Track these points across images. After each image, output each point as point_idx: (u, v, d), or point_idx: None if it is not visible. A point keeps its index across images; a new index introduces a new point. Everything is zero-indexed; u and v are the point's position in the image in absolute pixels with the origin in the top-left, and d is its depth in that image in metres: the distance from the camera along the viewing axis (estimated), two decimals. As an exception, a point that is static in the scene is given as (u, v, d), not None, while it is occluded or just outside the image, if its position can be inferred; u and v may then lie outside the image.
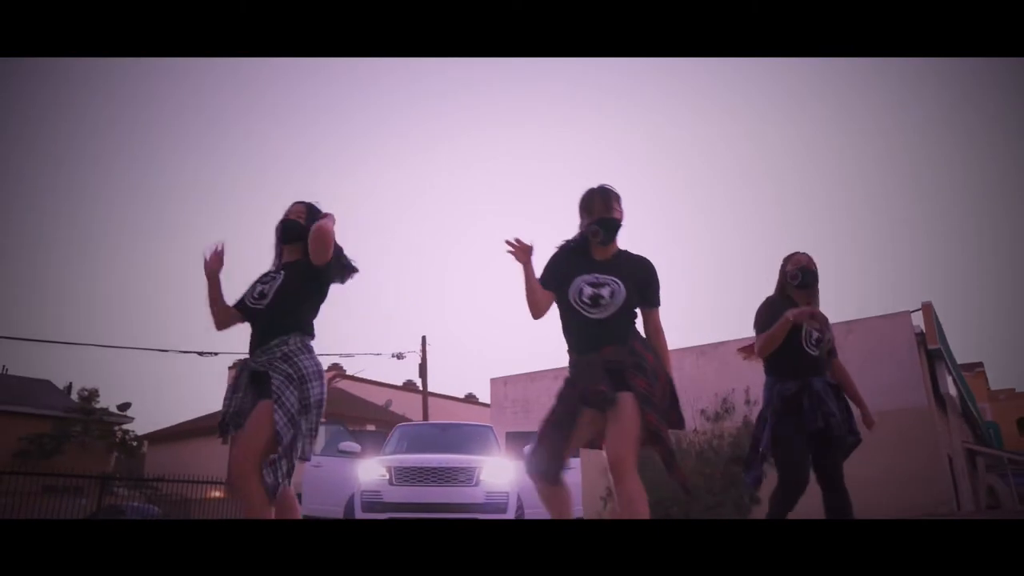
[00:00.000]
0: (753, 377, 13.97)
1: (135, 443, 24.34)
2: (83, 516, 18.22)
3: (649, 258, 2.99)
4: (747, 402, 13.80)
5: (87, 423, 23.25)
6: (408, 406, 28.36)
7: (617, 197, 2.97)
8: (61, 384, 27.47)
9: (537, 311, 2.89)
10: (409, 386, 37.32)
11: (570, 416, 2.80)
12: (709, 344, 15.52)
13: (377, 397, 28.93)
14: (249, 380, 2.90)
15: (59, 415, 23.10)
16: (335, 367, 25.43)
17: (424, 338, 20.25)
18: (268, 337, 2.90)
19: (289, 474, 2.76)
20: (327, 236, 2.89)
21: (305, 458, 2.86)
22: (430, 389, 32.21)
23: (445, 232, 67.24)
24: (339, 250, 3.03)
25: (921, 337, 13.12)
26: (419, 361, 20.04)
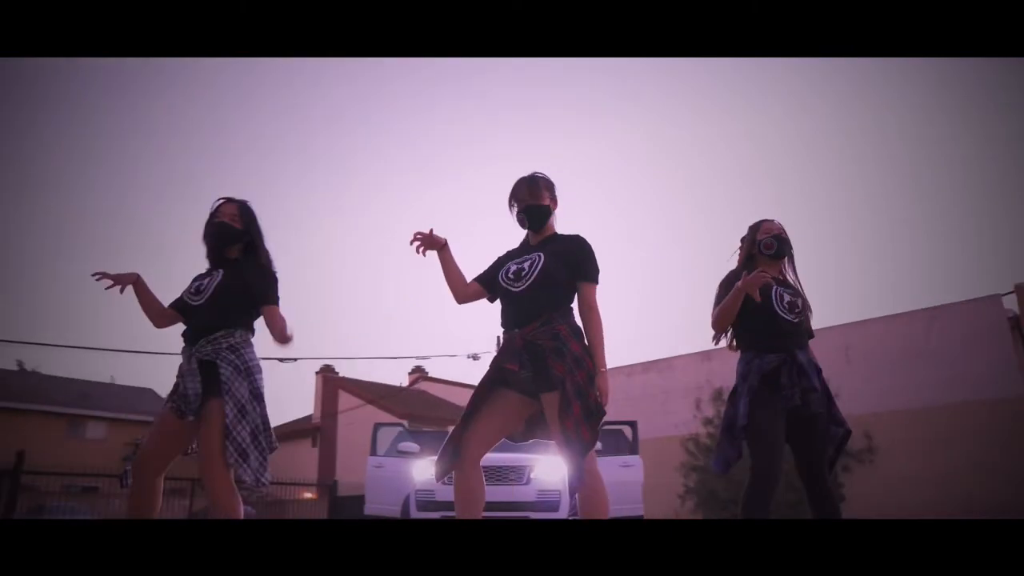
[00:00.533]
0: (834, 370, 13.56)
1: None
2: (183, 516, 19.28)
3: (584, 236, 2.95)
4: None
5: (189, 428, 24.49)
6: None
7: (546, 185, 2.97)
8: (163, 392, 29.00)
9: (456, 297, 3.00)
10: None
11: (482, 396, 2.80)
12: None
13: (460, 398, 29.32)
14: (198, 366, 2.90)
15: (161, 422, 24.43)
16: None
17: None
18: (210, 329, 2.96)
19: (263, 467, 2.86)
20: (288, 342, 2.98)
21: (273, 447, 2.93)
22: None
23: (512, 231, 67.26)
24: (271, 273, 3.12)
25: (1015, 321, 12.32)
26: (495, 361, 20.17)
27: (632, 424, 9.27)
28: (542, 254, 2.84)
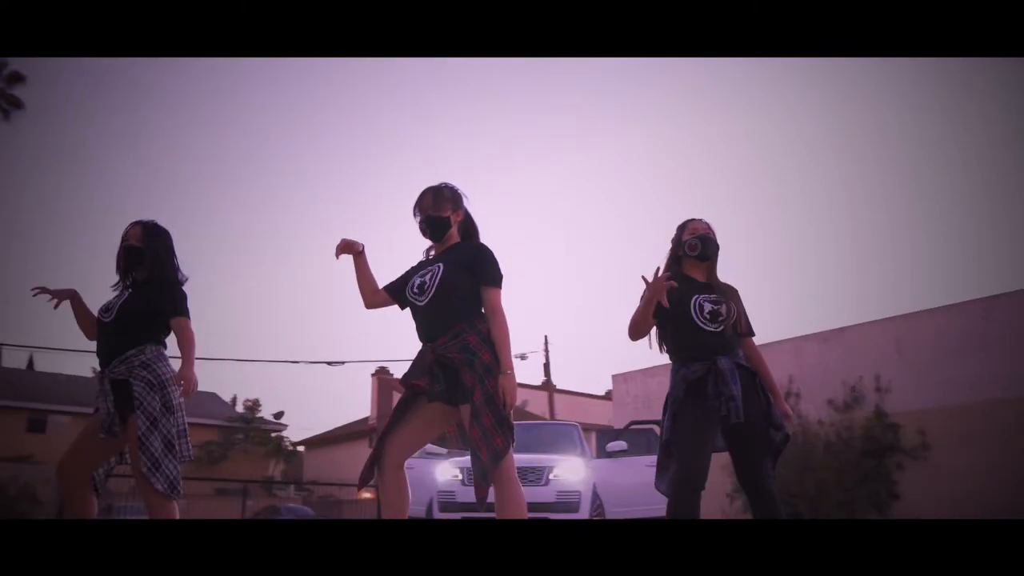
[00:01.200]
0: (884, 364, 13.05)
1: (291, 448, 26.24)
2: (249, 516, 19.90)
3: (486, 244, 2.97)
4: (878, 390, 12.92)
5: (248, 431, 25.36)
6: (546, 406, 28.69)
7: (451, 196, 2.97)
8: (226, 396, 30.08)
9: (365, 302, 3.05)
10: (548, 386, 37.71)
11: (402, 409, 2.83)
12: (832, 330, 14.54)
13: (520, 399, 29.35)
14: (110, 387, 3.04)
15: (224, 424, 25.37)
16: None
17: (546, 338, 20.48)
18: (121, 348, 3.09)
19: (177, 475, 2.99)
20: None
21: (186, 456, 3.09)
22: (568, 388, 32.46)
23: (560, 232, 67.23)
24: (177, 287, 3.28)
25: (1080, 310, 11.69)
26: (543, 361, 20.22)
27: (660, 424, 9.14)
28: (442, 265, 2.85)
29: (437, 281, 2.79)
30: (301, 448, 31.26)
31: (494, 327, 2.80)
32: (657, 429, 9.22)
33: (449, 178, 3.01)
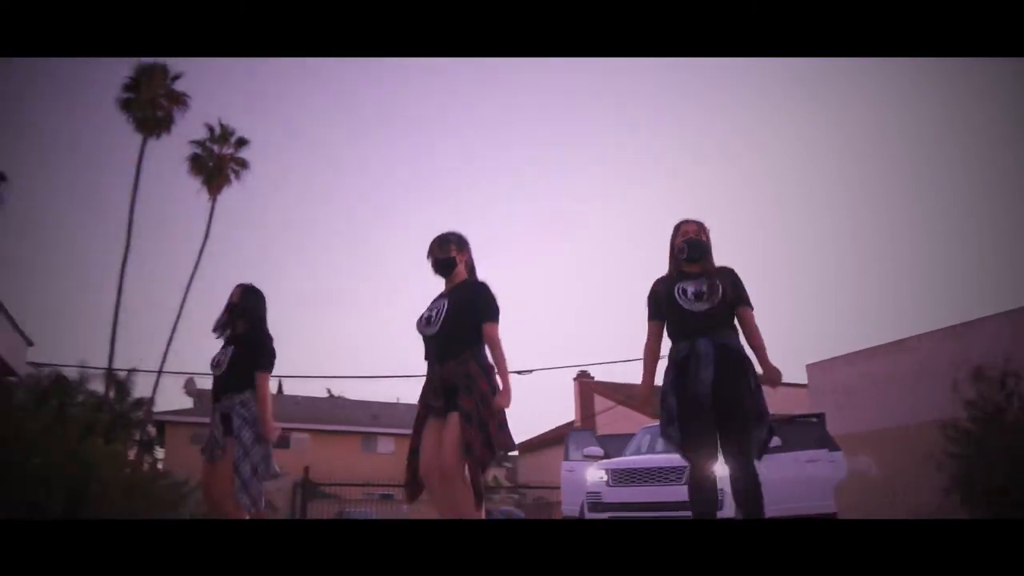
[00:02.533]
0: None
1: (502, 453, 27.40)
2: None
3: (485, 283, 3.33)
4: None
5: (462, 439, 26.93)
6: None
7: (455, 241, 3.39)
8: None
9: None
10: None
11: (419, 431, 3.25)
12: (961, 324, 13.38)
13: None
14: (220, 419, 3.90)
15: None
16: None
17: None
18: (227, 391, 3.93)
19: (259, 496, 3.55)
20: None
21: (272, 475, 3.74)
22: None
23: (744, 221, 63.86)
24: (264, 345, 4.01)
25: None
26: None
27: (820, 416, 8.73)
28: (447, 301, 3.26)
29: (443, 316, 3.21)
30: (513, 453, 32.60)
31: (493, 356, 3.21)
32: (816, 423, 8.82)
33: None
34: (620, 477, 7.28)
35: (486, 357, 3.24)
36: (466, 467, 3.15)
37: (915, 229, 69.12)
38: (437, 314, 3.26)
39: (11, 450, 9.70)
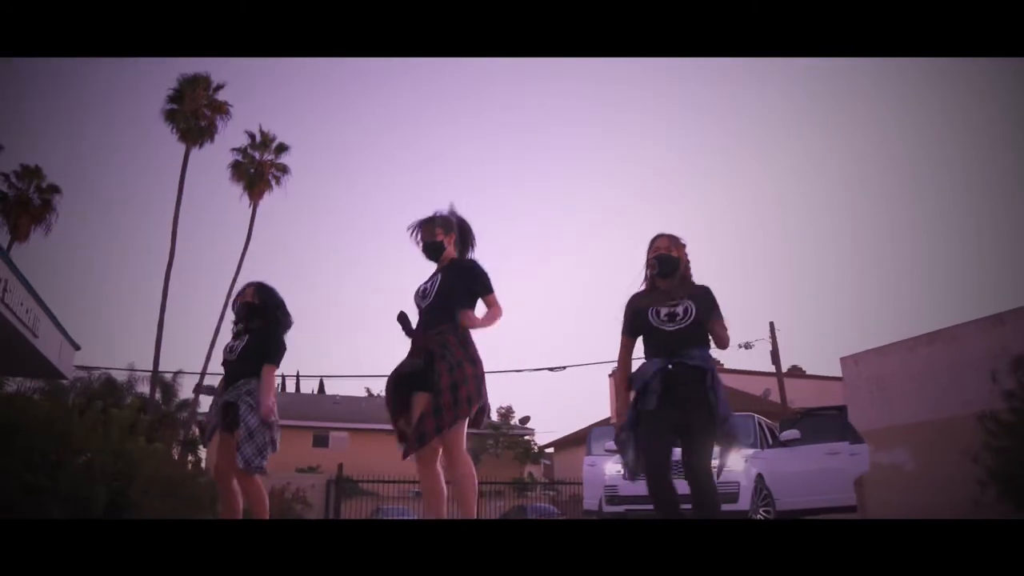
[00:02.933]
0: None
1: (538, 451, 27.64)
2: (498, 516, 21.46)
3: (475, 259, 3.58)
4: None
5: (497, 437, 27.21)
6: (792, 392, 27.33)
7: (441, 223, 3.59)
8: (482, 406, 32.33)
9: None
10: (794, 371, 35.69)
11: (392, 386, 3.46)
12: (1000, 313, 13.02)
13: (756, 387, 28.36)
14: (221, 407, 4.22)
15: (475, 432, 27.51)
16: None
17: (772, 324, 19.66)
18: (236, 379, 4.18)
19: (260, 467, 3.99)
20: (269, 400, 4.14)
21: (273, 450, 4.09)
22: (813, 372, 30.51)
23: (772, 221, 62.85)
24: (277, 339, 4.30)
25: None
26: (770, 348, 19.46)
27: (841, 409, 8.67)
28: (440, 276, 3.51)
29: (435, 290, 3.45)
30: (550, 450, 32.74)
31: (488, 314, 3.45)
32: (837, 415, 8.75)
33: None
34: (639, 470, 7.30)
35: (467, 331, 3.42)
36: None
37: (953, 218, 67.54)
38: (431, 286, 3.48)
39: (60, 448, 10.15)
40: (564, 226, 66.40)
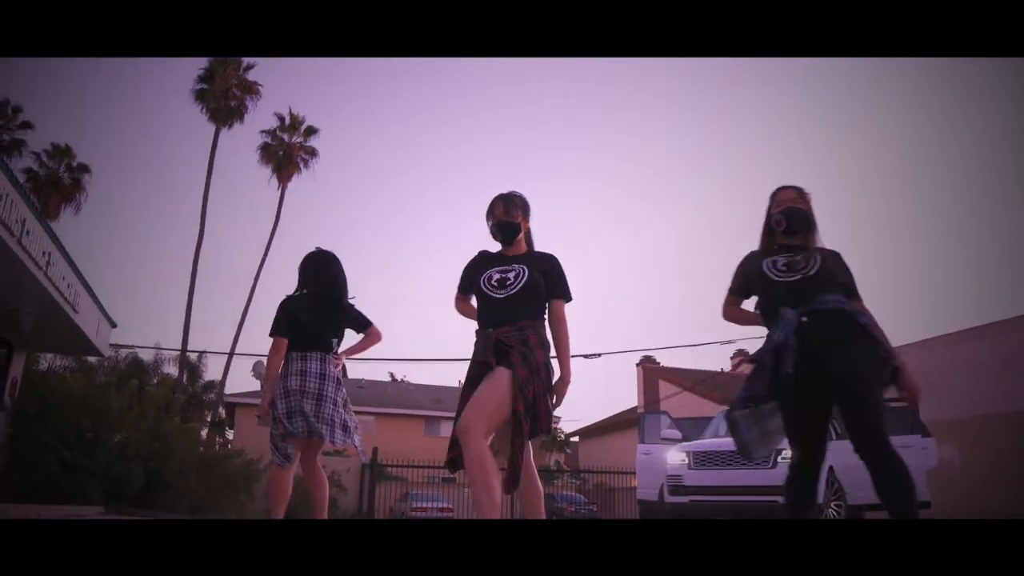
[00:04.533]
0: None
1: (564, 439, 27.44)
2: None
3: (555, 256, 3.16)
4: None
5: (523, 425, 27.03)
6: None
7: (521, 204, 3.17)
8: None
9: (464, 315, 3.29)
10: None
11: (471, 389, 2.93)
12: None
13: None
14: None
15: (506, 416, 27.37)
16: None
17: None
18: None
19: (289, 454, 3.91)
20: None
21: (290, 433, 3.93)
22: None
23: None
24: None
25: None
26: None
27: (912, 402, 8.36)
28: (525, 268, 3.05)
29: (523, 282, 3.01)
30: (575, 439, 32.57)
31: (560, 336, 3.06)
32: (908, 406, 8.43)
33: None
34: (702, 460, 7.08)
35: (546, 333, 3.06)
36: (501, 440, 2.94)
37: (999, 211, 66.29)
38: (516, 277, 3.02)
39: (96, 426, 10.11)
40: (593, 215, 65.98)
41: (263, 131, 26.00)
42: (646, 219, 64.45)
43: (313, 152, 26.34)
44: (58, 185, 25.72)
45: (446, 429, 28.21)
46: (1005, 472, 12.49)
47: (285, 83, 53.22)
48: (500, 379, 2.84)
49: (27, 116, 25.61)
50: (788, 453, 6.58)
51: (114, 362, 22.35)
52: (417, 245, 64.84)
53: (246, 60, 25.20)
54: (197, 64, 24.96)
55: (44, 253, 7.17)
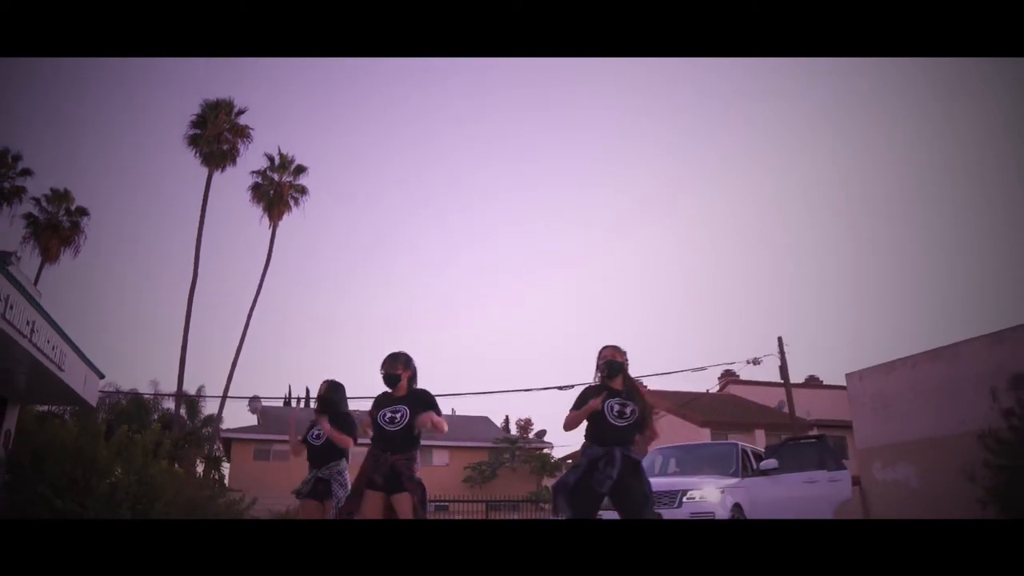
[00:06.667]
0: None
1: (554, 463, 27.89)
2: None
3: (427, 390, 4.41)
4: None
5: (513, 451, 27.55)
6: (809, 403, 27.43)
7: (403, 360, 4.46)
8: (496, 421, 32.79)
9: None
10: (812, 381, 35.65)
11: (356, 494, 4.35)
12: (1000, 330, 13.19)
13: (769, 398, 28.46)
14: (317, 481, 5.23)
15: (492, 445, 27.85)
16: None
17: (780, 339, 19.84)
18: (325, 461, 5.21)
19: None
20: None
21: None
22: (830, 383, 30.54)
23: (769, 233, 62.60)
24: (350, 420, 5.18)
25: None
26: (779, 364, 19.64)
27: (819, 438, 8.99)
28: (407, 408, 4.29)
29: (406, 421, 4.27)
30: (569, 462, 33.01)
31: (437, 423, 4.25)
32: (815, 443, 9.06)
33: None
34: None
35: (417, 457, 4.40)
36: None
37: (954, 235, 66.97)
38: (401, 416, 4.28)
39: (86, 473, 10.74)
40: (587, 237, 66.70)
41: (254, 171, 26.88)
42: (636, 239, 65.15)
43: (303, 190, 27.15)
44: (57, 229, 26.51)
45: (439, 458, 28.78)
46: (957, 492, 12.94)
47: (275, 124, 54.33)
48: (403, 501, 4.27)
49: (26, 163, 26.50)
50: (692, 493, 7.27)
51: (114, 400, 23.07)
52: (404, 277, 65.65)
53: (237, 105, 26.13)
54: (190, 110, 25.89)
55: (28, 322, 7.89)
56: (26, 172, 26.39)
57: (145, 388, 25.04)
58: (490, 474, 26.52)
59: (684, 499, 7.36)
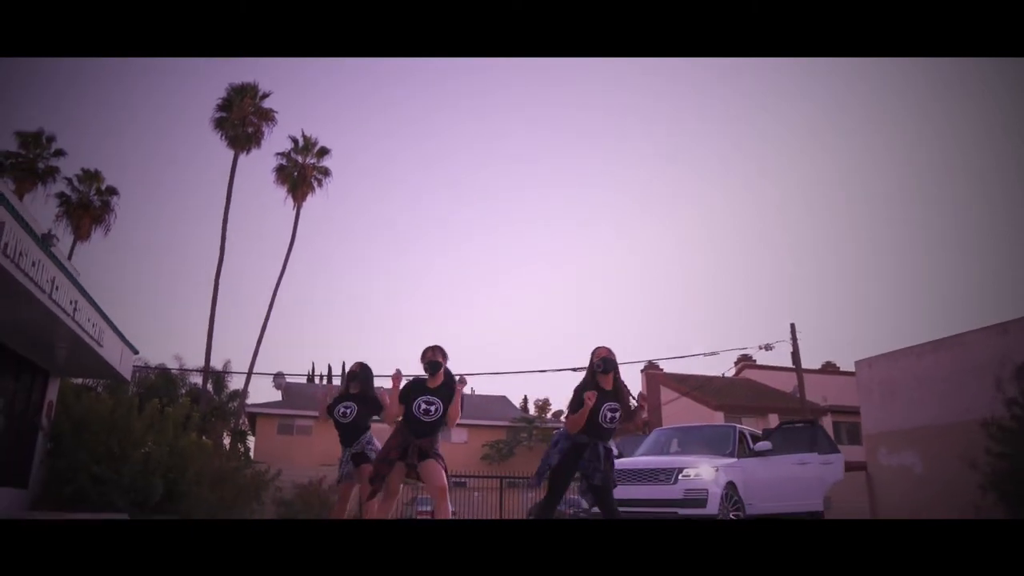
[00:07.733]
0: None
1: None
2: (530, 506, 22.39)
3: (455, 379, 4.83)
4: None
5: (530, 430, 28.14)
6: (825, 388, 27.67)
7: (441, 353, 4.90)
8: (515, 400, 33.33)
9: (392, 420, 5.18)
10: (828, 367, 35.78)
11: (388, 465, 4.88)
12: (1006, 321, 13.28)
13: (785, 383, 28.71)
14: (352, 457, 5.73)
15: (509, 424, 28.47)
16: None
17: (793, 325, 20.11)
18: (357, 435, 5.69)
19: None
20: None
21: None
22: (847, 369, 30.71)
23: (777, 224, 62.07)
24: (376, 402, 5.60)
25: None
26: (791, 350, 19.93)
27: (810, 422, 9.36)
28: (440, 401, 4.80)
29: (440, 413, 4.79)
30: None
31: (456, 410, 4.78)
32: (810, 428, 9.43)
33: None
34: (617, 476, 8.13)
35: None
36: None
37: (965, 227, 66.02)
38: (436, 410, 4.83)
39: (122, 443, 11.43)
40: (607, 224, 66.79)
41: (278, 153, 27.42)
42: (647, 229, 65.12)
43: (326, 172, 27.65)
44: (89, 208, 27.26)
45: (457, 435, 29.42)
46: (959, 479, 13.24)
47: (299, 107, 54.82)
48: (431, 466, 4.84)
49: (59, 144, 27.25)
50: (688, 471, 7.71)
51: (144, 375, 23.90)
52: (424, 259, 66.25)
53: (262, 89, 26.64)
54: (217, 94, 26.41)
55: (71, 302, 8.47)
56: (59, 153, 27.13)
57: (169, 363, 25.84)
58: (507, 452, 27.17)
59: (680, 476, 7.78)
